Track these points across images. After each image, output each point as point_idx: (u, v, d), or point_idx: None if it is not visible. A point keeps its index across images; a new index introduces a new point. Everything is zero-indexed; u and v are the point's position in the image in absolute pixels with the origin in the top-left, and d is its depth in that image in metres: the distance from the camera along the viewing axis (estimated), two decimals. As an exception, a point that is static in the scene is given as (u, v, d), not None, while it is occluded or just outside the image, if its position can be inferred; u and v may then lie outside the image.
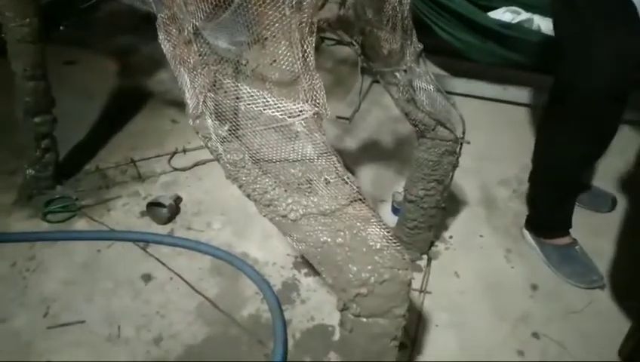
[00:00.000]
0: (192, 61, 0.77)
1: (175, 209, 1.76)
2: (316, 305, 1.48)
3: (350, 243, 0.82)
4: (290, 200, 0.83)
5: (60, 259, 1.62)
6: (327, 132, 2.13)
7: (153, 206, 1.73)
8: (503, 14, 2.05)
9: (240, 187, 0.85)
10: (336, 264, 0.84)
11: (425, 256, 1.60)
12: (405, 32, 1.04)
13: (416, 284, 1.52)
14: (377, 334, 0.89)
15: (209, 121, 0.80)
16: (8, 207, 1.80)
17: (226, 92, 0.77)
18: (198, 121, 0.83)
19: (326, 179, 0.80)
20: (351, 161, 1.99)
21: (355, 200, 0.80)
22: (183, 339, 1.39)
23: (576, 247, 1.57)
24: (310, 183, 0.80)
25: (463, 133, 1.21)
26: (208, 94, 0.78)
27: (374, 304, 0.85)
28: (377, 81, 2.44)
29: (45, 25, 1.51)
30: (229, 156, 0.82)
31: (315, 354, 1.34)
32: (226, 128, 0.80)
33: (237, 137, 0.80)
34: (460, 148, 1.25)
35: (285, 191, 0.83)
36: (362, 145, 2.08)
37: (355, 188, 0.80)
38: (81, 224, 1.75)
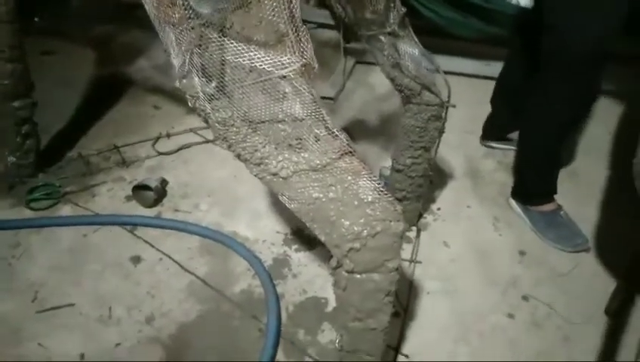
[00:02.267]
0: (176, 17, 0.76)
1: (162, 191, 1.74)
2: (308, 279, 1.48)
3: (342, 197, 0.82)
4: (280, 158, 0.83)
5: (45, 246, 1.59)
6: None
7: (139, 189, 1.71)
8: (483, -11, 2.08)
9: (229, 147, 0.85)
10: (329, 219, 0.84)
11: (414, 228, 1.61)
12: (389, -6, 1.04)
13: (406, 254, 1.54)
14: (371, 290, 0.89)
15: (196, 79, 0.80)
16: (-10, 196, 1.76)
17: (210, 47, 0.77)
18: (185, 81, 0.82)
19: (316, 134, 0.79)
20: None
21: (346, 153, 0.80)
22: (175, 317, 1.38)
23: (561, 213, 1.60)
24: (300, 140, 0.80)
25: (449, 96, 1.22)
26: (195, 50, 0.77)
27: (367, 258, 0.85)
28: (361, 62, 2.46)
29: (20, 16, 1.48)
30: (217, 114, 0.82)
31: (309, 326, 1.35)
32: (213, 85, 0.80)
33: (225, 94, 0.80)
34: (446, 113, 1.26)
35: (275, 148, 0.83)
36: (347, 125, 2.09)
37: (345, 141, 0.80)
38: (65, 210, 1.72)
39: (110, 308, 1.41)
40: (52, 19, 2.91)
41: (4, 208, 1.72)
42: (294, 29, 0.75)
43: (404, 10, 1.11)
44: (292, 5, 0.74)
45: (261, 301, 1.41)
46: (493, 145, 1.93)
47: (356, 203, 0.82)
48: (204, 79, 0.79)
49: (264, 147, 0.83)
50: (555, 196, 1.62)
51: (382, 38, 1.09)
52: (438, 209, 1.70)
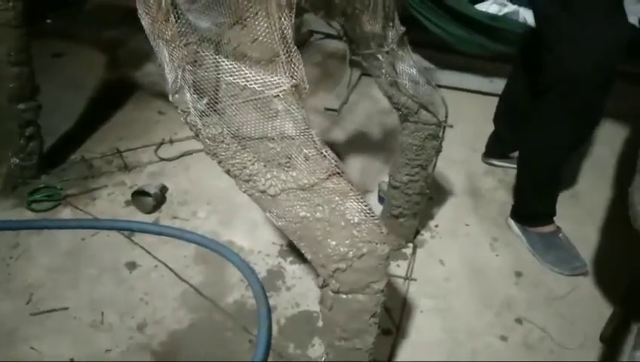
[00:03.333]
0: (169, 34, 0.77)
1: (161, 198, 1.75)
2: (301, 292, 1.48)
3: (329, 217, 0.82)
4: (269, 176, 0.83)
5: (44, 247, 1.60)
6: (315, 123, 2.13)
7: (138, 195, 1.72)
8: (490, 6, 2.07)
9: (219, 163, 0.85)
10: (316, 239, 0.84)
11: (410, 244, 1.60)
12: (387, 14, 1.04)
13: (401, 271, 1.53)
14: (357, 310, 0.89)
15: (187, 94, 0.80)
16: (-8, 196, 1.78)
17: (204, 65, 0.77)
18: (177, 96, 0.83)
19: (305, 154, 0.80)
20: (338, 152, 1.99)
21: (334, 174, 0.80)
22: (168, 325, 1.38)
23: (560, 235, 1.58)
24: (289, 159, 0.81)
25: (446, 116, 1.22)
26: (187, 67, 0.78)
27: (353, 279, 0.85)
28: (366, 74, 2.47)
29: (32, 18, 1.51)
30: (207, 130, 0.82)
31: (299, 340, 1.34)
32: (204, 102, 0.80)
33: (215, 111, 0.80)
34: (443, 133, 1.26)
35: (264, 166, 0.83)
36: (350, 137, 2.09)
37: (333, 162, 0.80)
38: (65, 213, 1.73)
39: (103, 314, 1.41)
40: (64, 22, 2.96)
41: (6, 208, 1.74)
42: (285, 49, 0.76)
43: (403, 29, 1.11)
44: (283, 26, 0.74)
45: (253, 312, 1.41)
46: (495, 163, 1.92)
47: (343, 224, 0.82)
48: (195, 95, 0.80)
49: (253, 164, 0.83)
50: (555, 218, 1.60)
51: (379, 56, 1.09)
52: (436, 226, 1.69)
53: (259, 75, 0.76)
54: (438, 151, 1.29)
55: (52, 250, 1.60)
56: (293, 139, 0.80)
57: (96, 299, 1.45)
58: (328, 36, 2.66)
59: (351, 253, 0.83)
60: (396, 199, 1.44)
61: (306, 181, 0.81)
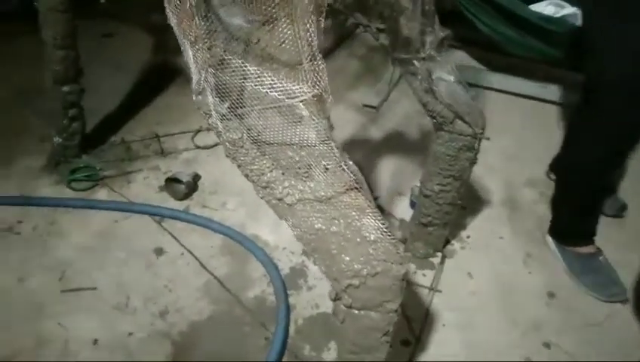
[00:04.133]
0: (194, 35, 0.75)
1: (193, 186, 1.77)
2: (322, 293, 1.46)
3: (344, 232, 0.79)
4: (286, 184, 0.81)
5: (78, 226, 1.66)
6: (352, 119, 2.09)
7: (171, 181, 1.75)
8: (546, 7, 1.95)
9: (239, 166, 0.84)
10: (330, 252, 0.82)
11: (439, 254, 1.56)
12: (426, 17, 0.99)
13: (426, 281, 1.49)
14: (368, 327, 0.87)
15: (210, 97, 0.79)
16: (37, 171, 1.86)
17: (226, 68, 0.76)
18: (200, 97, 0.82)
19: (324, 165, 0.77)
20: (373, 151, 1.95)
21: (352, 189, 0.78)
22: (188, 315, 1.40)
23: (600, 258, 1.49)
24: (308, 168, 0.78)
25: (483, 128, 1.16)
26: (209, 70, 0.77)
27: (366, 296, 0.82)
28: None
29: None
30: (228, 134, 0.81)
31: (315, 343, 1.33)
32: (226, 106, 0.79)
33: (237, 116, 0.79)
34: (479, 144, 1.20)
35: (283, 174, 0.81)
36: (386, 136, 2.04)
37: (352, 176, 0.77)
38: (102, 194, 1.78)
39: (128, 297, 1.45)
40: (117, 3, 3.03)
41: (48, 185, 1.81)
42: (309, 57, 0.73)
43: (443, 34, 1.05)
44: (308, 33, 0.71)
45: (273, 309, 1.40)
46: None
47: (358, 240, 0.79)
48: (217, 99, 0.79)
49: (271, 171, 0.81)
50: (597, 239, 1.51)
51: (415, 62, 1.04)
52: (468, 237, 1.63)
53: (281, 82, 0.74)
54: (473, 162, 1.23)
55: (86, 229, 1.65)
56: (313, 148, 0.77)
57: (123, 282, 1.49)
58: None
59: (365, 270, 0.80)
60: (426, 208, 1.39)
61: (323, 193, 0.79)
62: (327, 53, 2.47)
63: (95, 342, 1.34)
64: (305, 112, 0.74)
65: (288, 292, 1.45)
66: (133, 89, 2.30)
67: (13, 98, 2.16)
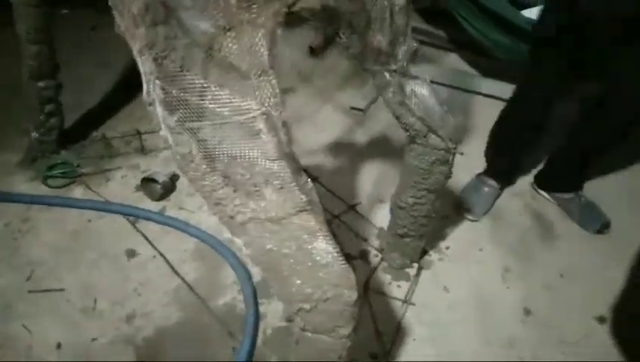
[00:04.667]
0: (138, 45, 0.72)
1: (170, 186, 1.74)
2: (294, 302, 1.43)
3: (295, 254, 0.76)
4: (237, 202, 0.77)
5: (52, 225, 1.63)
6: (338, 122, 2.03)
7: (148, 181, 1.72)
8: (537, 13, 1.90)
9: (190, 181, 0.81)
10: (281, 274, 0.78)
11: (415, 265, 1.52)
12: (397, 28, 0.95)
13: (400, 293, 1.46)
14: (322, 349, 0.84)
15: (158, 109, 0.75)
16: (13, 167, 1.83)
17: (175, 80, 0.72)
18: (151, 108, 0.78)
19: (276, 184, 0.74)
20: (357, 155, 1.91)
21: (303, 211, 0.74)
22: (155, 320, 1.38)
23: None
24: (258, 188, 0.75)
25: (456, 143, 1.12)
26: (156, 82, 0.73)
27: (318, 320, 0.79)
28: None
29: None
30: (177, 148, 0.77)
31: (282, 354, 1.30)
32: (175, 119, 0.75)
33: (187, 129, 0.75)
34: (453, 159, 1.16)
35: (234, 191, 0.78)
36: (372, 140, 2.00)
37: (303, 197, 0.74)
38: (78, 192, 1.75)
39: (96, 300, 1.42)
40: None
41: (24, 181, 1.78)
42: (260, 72, 0.69)
43: (415, 45, 1.01)
44: (257, 46, 0.68)
45: (242, 318, 1.38)
46: (543, 193, 1.76)
47: (309, 263, 0.76)
48: (166, 111, 0.75)
49: (222, 188, 0.78)
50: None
51: (387, 74, 1.00)
52: (447, 248, 1.60)
53: (229, 98, 0.70)
54: (447, 177, 1.19)
55: (59, 228, 1.62)
56: (264, 167, 0.74)
57: (92, 284, 1.46)
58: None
59: (316, 294, 0.77)
60: (402, 219, 1.35)
61: (274, 213, 0.75)
62: (318, 52, 2.43)
63: (59, 346, 1.32)
64: (261, 126, 0.71)
65: (260, 300, 1.42)
66: (118, 83, 2.26)
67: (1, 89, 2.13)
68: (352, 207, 1.70)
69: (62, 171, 1.79)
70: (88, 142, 1.95)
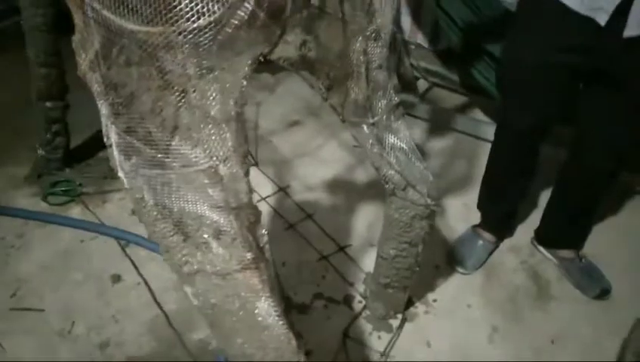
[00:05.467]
0: (94, 88, 0.72)
1: (163, 213, 1.75)
2: (269, 344, 1.40)
3: (238, 312, 0.74)
4: (186, 251, 0.76)
5: (45, 242, 1.65)
6: (339, 159, 2.00)
7: (142, 206, 1.73)
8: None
9: (144, 225, 0.80)
10: (224, 331, 0.77)
11: (399, 316, 1.47)
12: (376, 83, 0.94)
13: (380, 345, 1.41)
14: (264, 413, 0.81)
15: (115, 152, 0.76)
16: (19, 181, 1.87)
17: (127, 127, 0.72)
18: (110, 150, 0.78)
19: (221, 238, 0.72)
20: (355, 194, 1.89)
21: (247, 269, 0.72)
22: (127, 350, 1.37)
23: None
24: (206, 240, 0.73)
25: (435, 201, 1.09)
26: (112, 126, 0.73)
27: (259, 382, 0.77)
28: (409, 114, 2.33)
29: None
30: (132, 192, 0.77)
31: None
32: (130, 163, 0.75)
33: (140, 175, 0.75)
34: (433, 216, 1.12)
35: (184, 240, 0.77)
36: (372, 181, 1.97)
37: (249, 255, 0.72)
38: (76, 210, 1.78)
39: (73, 323, 1.42)
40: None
41: (27, 195, 1.82)
42: (208, 125, 0.69)
43: (396, 99, 1.00)
44: (205, 99, 0.67)
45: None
46: (542, 250, 1.70)
47: (251, 323, 0.74)
48: (122, 155, 0.75)
49: (172, 236, 0.77)
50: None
51: (365, 127, 0.98)
52: (434, 300, 1.54)
53: (177, 149, 0.70)
54: (428, 233, 1.16)
55: (50, 246, 1.64)
56: (213, 220, 0.73)
57: (72, 307, 1.47)
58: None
59: (257, 356, 0.75)
60: (384, 269, 1.32)
61: (219, 268, 0.74)
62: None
63: (30, 367, 1.32)
64: (203, 182, 0.70)
65: (234, 339, 1.39)
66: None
67: (17, 104, 2.20)
68: (342, 249, 1.67)
69: (63, 189, 1.83)
70: (94, 162, 1.98)
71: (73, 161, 1.93)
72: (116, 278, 1.56)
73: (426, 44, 2.47)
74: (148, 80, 0.78)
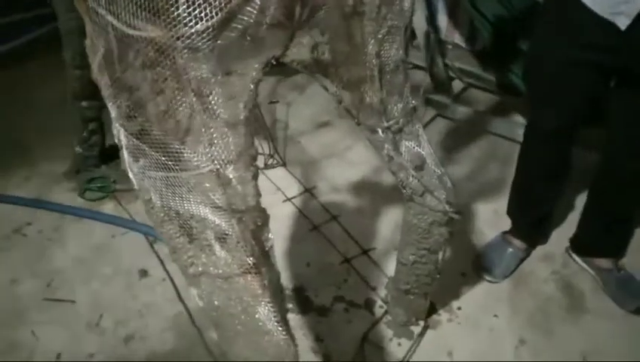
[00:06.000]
0: (104, 92, 0.74)
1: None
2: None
3: (240, 316, 0.74)
4: (191, 253, 0.77)
5: (79, 236, 1.72)
6: (368, 161, 1.98)
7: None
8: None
9: (154, 225, 0.81)
10: (227, 334, 0.77)
11: (422, 322, 1.44)
12: (391, 86, 0.91)
13: (400, 352, 1.38)
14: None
15: (125, 154, 0.77)
16: (59, 177, 1.96)
17: (134, 129, 0.73)
18: (122, 152, 0.80)
19: (223, 241, 0.72)
20: (381, 197, 1.86)
21: (248, 273, 0.72)
22: (151, 344, 1.41)
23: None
24: (210, 243, 0.74)
25: (453, 207, 1.05)
26: (120, 129, 0.75)
27: (260, 387, 0.77)
28: (442, 115, 2.28)
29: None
30: (141, 193, 0.79)
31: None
32: (138, 165, 0.77)
33: (147, 177, 0.76)
34: (452, 223, 1.09)
35: (189, 242, 0.77)
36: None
37: (250, 260, 0.72)
38: (110, 206, 1.85)
39: (101, 316, 1.47)
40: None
41: (65, 191, 1.90)
42: (212, 129, 0.69)
43: (413, 103, 0.97)
44: (206, 102, 0.68)
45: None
46: (577, 260, 1.62)
47: (253, 327, 0.74)
48: (131, 157, 0.77)
49: (178, 238, 0.78)
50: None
51: (380, 131, 0.96)
52: (459, 308, 1.50)
53: (180, 152, 0.70)
54: (447, 239, 1.12)
55: (84, 240, 1.71)
56: (216, 223, 0.73)
57: (101, 299, 1.52)
58: (416, 67, 2.49)
59: (257, 360, 0.74)
60: (404, 275, 1.29)
61: (221, 271, 0.74)
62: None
63: (58, 356, 1.38)
64: (205, 186, 0.70)
65: (254, 338, 1.40)
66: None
67: (55, 105, 2.30)
68: (366, 252, 1.65)
69: (99, 185, 1.90)
70: (128, 159, 2.04)
71: (108, 158, 1.99)
72: (143, 273, 1.60)
73: (463, 44, 2.40)
74: (162, 83, 0.80)
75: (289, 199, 1.85)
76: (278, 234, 1.71)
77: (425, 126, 2.19)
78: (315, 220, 1.76)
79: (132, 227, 1.72)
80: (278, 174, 1.96)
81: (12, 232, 1.73)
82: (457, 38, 2.40)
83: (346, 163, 2.02)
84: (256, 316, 0.73)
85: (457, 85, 2.40)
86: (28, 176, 1.96)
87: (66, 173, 1.96)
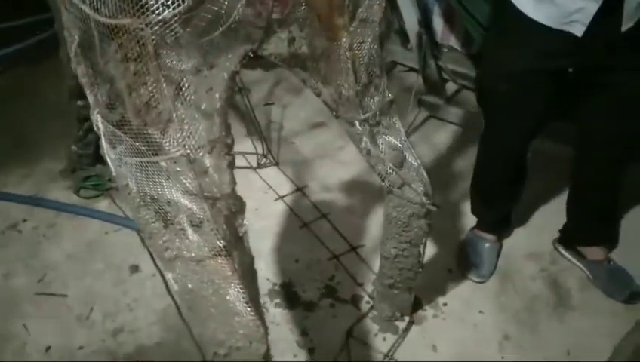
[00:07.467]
0: (82, 79, 0.77)
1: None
2: (275, 339, 1.40)
3: (211, 298, 0.76)
4: (166, 238, 0.79)
5: (73, 233, 1.75)
6: (359, 159, 1.99)
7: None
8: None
9: (130, 212, 0.84)
10: (200, 317, 0.79)
11: (406, 318, 1.45)
12: (367, 80, 0.94)
13: (385, 346, 1.39)
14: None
15: (103, 140, 0.80)
16: (56, 175, 1.99)
17: (110, 116, 0.76)
18: (101, 140, 0.83)
19: (195, 224, 0.75)
20: (373, 195, 1.87)
21: (218, 256, 0.74)
22: (138, 338, 1.43)
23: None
24: (183, 227, 0.76)
25: (430, 199, 1.07)
26: (97, 116, 0.78)
27: (230, 368, 0.78)
28: (434, 117, 2.30)
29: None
30: (118, 179, 0.81)
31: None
32: (116, 151, 0.79)
33: (124, 163, 0.79)
34: (430, 215, 1.11)
35: (164, 227, 0.80)
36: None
37: (220, 242, 0.74)
38: (104, 204, 1.87)
39: (91, 310, 1.50)
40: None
41: (60, 189, 1.93)
42: (180, 114, 0.71)
43: (390, 96, 0.99)
44: (179, 88, 0.70)
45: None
46: (566, 254, 1.63)
47: (224, 309, 0.76)
48: (108, 143, 0.79)
49: (154, 223, 0.80)
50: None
51: (357, 124, 0.99)
52: (445, 304, 1.51)
53: (153, 138, 0.73)
54: (426, 232, 1.14)
55: (78, 236, 1.74)
56: (187, 207, 0.75)
57: (92, 294, 1.54)
58: (412, 70, 2.51)
59: (229, 342, 0.77)
60: (387, 270, 1.31)
61: (194, 254, 0.76)
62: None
63: (48, 349, 1.40)
64: (176, 170, 0.73)
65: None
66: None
67: (59, 105, 2.33)
68: (354, 249, 1.67)
69: (94, 183, 1.93)
70: (124, 159, 2.07)
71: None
72: (134, 269, 1.62)
73: (459, 47, 2.42)
74: (144, 75, 0.83)
75: (280, 197, 1.87)
76: (269, 231, 1.74)
77: (418, 127, 2.22)
78: (305, 218, 1.78)
79: (125, 224, 1.74)
80: (271, 173, 1.99)
81: (7, 228, 1.76)
82: (453, 42, 2.41)
83: (338, 163, 2.04)
84: (227, 297, 0.75)
85: (451, 87, 2.42)
86: (27, 174, 1.99)
87: (62, 171, 2.00)
